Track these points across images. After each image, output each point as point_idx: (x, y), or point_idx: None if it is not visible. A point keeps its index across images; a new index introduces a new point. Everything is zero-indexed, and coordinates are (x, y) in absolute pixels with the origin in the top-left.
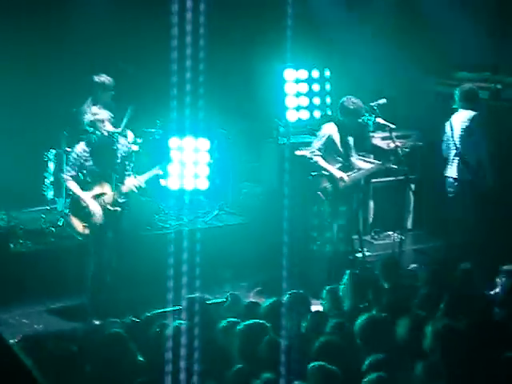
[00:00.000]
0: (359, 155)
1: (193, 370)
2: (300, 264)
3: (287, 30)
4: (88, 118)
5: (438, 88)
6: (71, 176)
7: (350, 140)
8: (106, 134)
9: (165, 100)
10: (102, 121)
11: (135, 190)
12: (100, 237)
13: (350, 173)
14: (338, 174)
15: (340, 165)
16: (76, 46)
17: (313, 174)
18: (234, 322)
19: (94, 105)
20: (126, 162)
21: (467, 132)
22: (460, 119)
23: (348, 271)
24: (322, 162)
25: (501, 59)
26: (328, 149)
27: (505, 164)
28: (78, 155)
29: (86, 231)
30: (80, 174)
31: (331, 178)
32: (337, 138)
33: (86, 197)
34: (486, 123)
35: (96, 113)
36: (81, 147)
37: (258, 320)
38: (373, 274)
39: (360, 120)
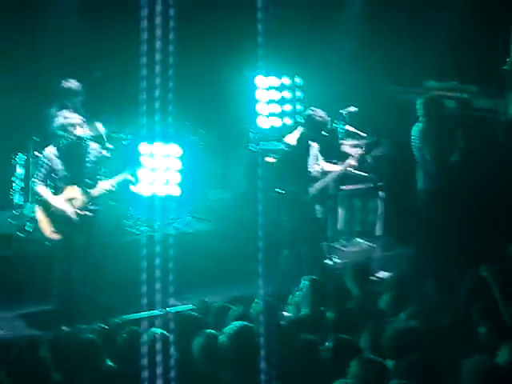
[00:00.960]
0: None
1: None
2: (270, 270)
3: (258, 36)
4: (59, 121)
5: (406, 96)
6: (41, 180)
7: (313, 149)
8: (75, 138)
9: (134, 105)
10: (73, 125)
11: (106, 192)
12: (69, 242)
13: (317, 183)
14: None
15: (307, 177)
16: (45, 50)
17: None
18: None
19: (63, 109)
20: (98, 167)
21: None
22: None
23: (306, 277)
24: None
25: (467, 68)
26: (287, 163)
27: (472, 172)
28: (47, 159)
29: (55, 236)
30: (50, 178)
31: (299, 193)
32: (293, 150)
33: (57, 201)
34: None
35: (67, 117)
36: (50, 151)
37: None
38: (335, 280)
39: (324, 132)
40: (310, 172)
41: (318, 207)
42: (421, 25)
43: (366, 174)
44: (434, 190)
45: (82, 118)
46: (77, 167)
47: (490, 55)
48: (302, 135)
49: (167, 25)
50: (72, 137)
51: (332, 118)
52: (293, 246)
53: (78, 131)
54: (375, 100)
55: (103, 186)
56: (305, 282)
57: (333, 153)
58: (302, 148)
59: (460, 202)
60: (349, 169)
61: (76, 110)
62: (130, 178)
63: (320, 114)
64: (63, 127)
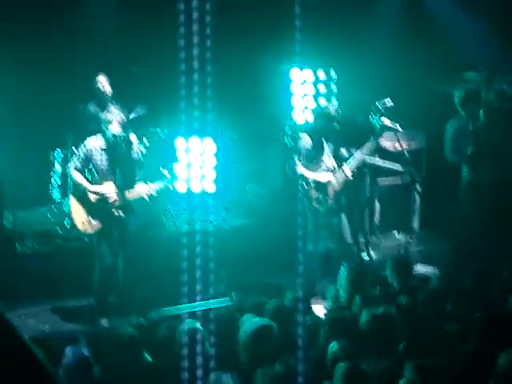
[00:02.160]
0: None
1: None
2: (306, 264)
3: (295, 29)
4: (104, 116)
5: (445, 88)
6: (76, 168)
7: (326, 145)
8: (121, 136)
9: (170, 100)
10: (111, 121)
11: (146, 197)
12: (105, 237)
13: (337, 174)
14: (324, 178)
15: (324, 168)
16: (81, 46)
17: (301, 186)
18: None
19: (98, 106)
20: (137, 169)
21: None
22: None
23: (345, 264)
24: (306, 173)
25: (505, 59)
26: (306, 157)
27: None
28: (88, 149)
29: (88, 229)
30: (87, 168)
31: (320, 185)
32: (308, 144)
33: (93, 187)
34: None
35: (112, 112)
36: (95, 141)
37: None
38: (374, 274)
39: (337, 125)
40: (325, 167)
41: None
42: (458, 15)
43: (401, 168)
44: (476, 181)
45: (123, 116)
46: (116, 164)
47: None
48: (315, 130)
49: (204, 20)
50: (118, 134)
51: (369, 111)
52: (316, 243)
53: (115, 129)
54: (412, 92)
55: (140, 190)
56: (343, 270)
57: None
58: (318, 143)
59: (500, 194)
60: (381, 143)
61: (108, 106)
62: (166, 174)
63: (331, 108)
64: (105, 122)
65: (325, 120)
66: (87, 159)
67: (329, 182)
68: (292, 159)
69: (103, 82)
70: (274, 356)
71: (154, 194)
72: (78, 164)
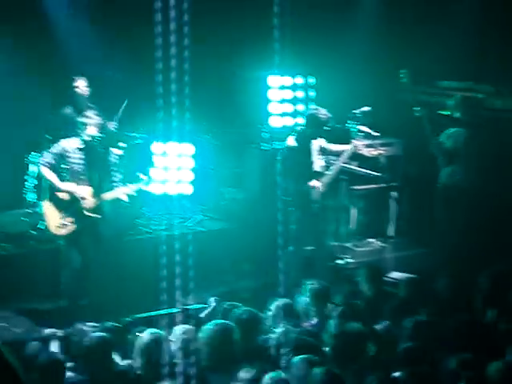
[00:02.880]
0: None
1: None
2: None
3: (272, 36)
4: (81, 119)
5: (421, 96)
6: (48, 163)
7: (315, 146)
8: (96, 138)
9: (148, 105)
10: (88, 124)
11: (125, 198)
12: (73, 240)
13: (323, 178)
14: (311, 183)
15: (311, 174)
16: (59, 49)
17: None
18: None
19: (75, 109)
20: (114, 172)
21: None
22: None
23: (308, 283)
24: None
25: (483, 68)
26: (293, 161)
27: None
28: (62, 148)
29: (59, 231)
30: (58, 167)
31: (305, 191)
32: (297, 150)
33: (63, 184)
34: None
35: (88, 115)
36: (70, 142)
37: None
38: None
39: (327, 128)
40: (315, 169)
41: (327, 205)
42: (436, 25)
43: (378, 174)
44: (459, 187)
45: (99, 120)
46: (90, 167)
47: (505, 55)
48: (304, 134)
49: (181, 27)
50: (94, 137)
51: (346, 118)
52: (299, 245)
53: (91, 131)
54: (388, 100)
55: (124, 190)
56: (306, 288)
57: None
58: (306, 147)
59: (480, 201)
60: (358, 150)
61: (85, 110)
62: (142, 177)
63: (322, 111)
64: (83, 125)
65: (315, 125)
66: (60, 157)
67: (314, 186)
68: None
69: (82, 86)
70: (234, 360)
71: (133, 193)
72: (51, 160)
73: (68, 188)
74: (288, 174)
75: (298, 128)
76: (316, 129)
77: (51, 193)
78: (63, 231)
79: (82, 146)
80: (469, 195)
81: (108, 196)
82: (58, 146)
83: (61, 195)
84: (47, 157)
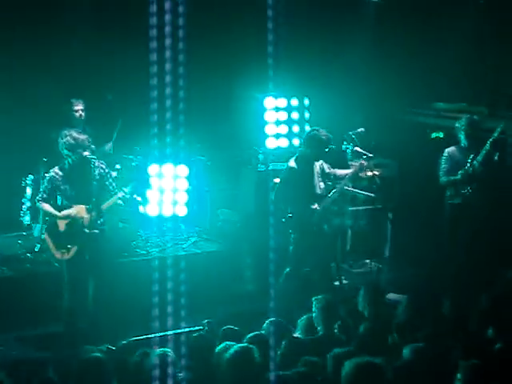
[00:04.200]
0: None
1: None
2: (279, 291)
3: (268, 59)
4: (67, 141)
5: (415, 118)
6: (43, 199)
7: (316, 168)
8: (81, 158)
9: (144, 127)
10: (81, 146)
11: (121, 202)
12: (77, 262)
13: (324, 200)
14: (313, 206)
15: (313, 196)
16: (54, 73)
17: (284, 219)
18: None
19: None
20: (106, 183)
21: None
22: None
23: (315, 298)
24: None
25: (476, 90)
26: (292, 185)
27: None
28: (51, 178)
29: (64, 256)
30: (54, 198)
31: (307, 214)
32: (299, 172)
33: (61, 213)
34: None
35: (76, 137)
36: (54, 171)
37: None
38: (346, 302)
39: (327, 150)
40: (316, 191)
41: (326, 227)
42: (429, 48)
43: (373, 195)
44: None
45: (88, 138)
46: (82, 186)
47: (498, 77)
48: (306, 155)
49: (177, 47)
50: (78, 157)
51: (341, 140)
52: (297, 266)
53: (85, 152)
54: (383, 121)
55: (112, 200)
56: (317, 304)
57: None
58: (308, 168)
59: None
60: (362, 173)
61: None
62: (138, 199)
63: (323, 133)
64: (71, 147)
65: (317, 146)
66: (52, 188)
67: (316, 209)
68: (279, 188)
69: (79, 108)
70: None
71: (126, 195)
72: (45, 195)
73: (66, 213)
74: (288, 195)
75: (299, 149)
76: (317, 150)
77: (49, 225)
78: (68, 255)
79: (65, 170)
80: (481, 213)
81: (104, 206)
82: (47, 177)
83: (60, 224)
84: (42, 192)
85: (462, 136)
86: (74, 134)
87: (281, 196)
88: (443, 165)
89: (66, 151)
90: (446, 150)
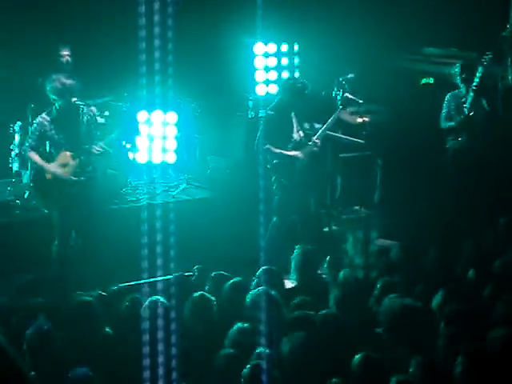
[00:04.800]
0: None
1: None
2: (268, 239)
3: (257, 3)
4: (55, 86)
5: (405, 63)
6: (31, 147)
7: (294, 117)
8: (69, 103)
9: (132, 74)
10: (70, 90)
11: (99, 152)
12: (66, 209)
13: (305, 148)
14: (291, 153)
15: (292, 144)
16: (42, 16)
17: (269, 165)
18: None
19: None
20: (93, 131)
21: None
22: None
23: (299, 246)
24: (273, 149)
25: (466, 35)
26: (272, 133)
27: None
28: (38, 125)
29: (53, 204)
30: (42, 145)
31: (287, 161)
32: (277, 120)
33: (49, 167)
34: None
35: (64, 82)
36: (42, 117)
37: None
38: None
39: (303, 97)
40: (295, 138)
41: (312, 173)
42: None
43: (360, 141)
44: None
45: (77, 83)
46: (70, 133)
47: (488, 21)
48: (283, 103)
49: None
50: (66, 102)
51: (331, 86)
52: (283, 215)
53: (74, 98)
54: (373, 67)
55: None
56: (297, 251)
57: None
58: (286, 116)
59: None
60: (343, 118)
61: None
62: (127, 146)
63: (299, 81)
64: (59, 92)
65: (293, 93)
66: (40, 134)
67: (296, 156)
68: (260, 136)
69: (66, 55)
70: None
71: (104, 148)
72: (33, 143)
73: (55, 169)
74: (269, 142)
75: (277, 97)
76: (293, 97)
77: (36, 173)
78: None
79: (53, 115)
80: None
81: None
82: (35, 125)
83: (48, 176)
84: (30, 141)
85: (458, 81)
86: (62, 79)
87: (261, 144)
88: (444, 109)
89: (53, 96)
90: (448, 94)
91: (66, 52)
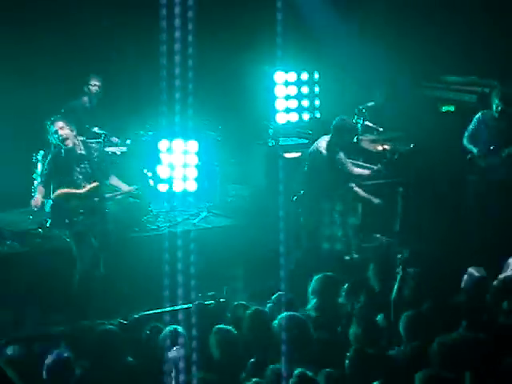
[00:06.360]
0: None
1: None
2: (290, 265)
3: (278, 32)
4: (56, 135)
5: (426, 91)
6: (38, 183)
7: (341, 155)
8: (64, 149)
9: (154, 104)
10: (64, 138)
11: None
12: (84, 238)
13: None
14: None
15: None
16: (68, 46)
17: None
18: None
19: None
20: (101, 168)
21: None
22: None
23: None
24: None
25: (487, 63)
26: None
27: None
28: (49, 162)
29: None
30: (51, 180)
31: None
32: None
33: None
34: None
35: (57, 129)
36: (51, 157)
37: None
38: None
39: (355, 140)
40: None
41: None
42: (440, 20)
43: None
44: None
45: (73, 130)
46: (65, 172)
47: (508, 49)
48: (332, 143)
49: (186, 24)
50: (62, 147)
51: (352, 114)
52: (311, 243)
53: (69, 143)
54: (393, 95)
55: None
56: (317, 278)
57: (351, 148)
58: (332, 156)
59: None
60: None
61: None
62: (149, 174)
63: (350, 122)
64: (59, 141)
65: (346, 134)
66: (49, 172)
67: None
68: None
69: (96, 85)
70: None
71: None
72: (41, 179)
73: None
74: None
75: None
76: (344, 139)
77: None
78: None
79: (47, 157)
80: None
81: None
82: (47, 161)
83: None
84: (39, 177)
85: (494, 106)
86: (60, 124)
87: (305, 180)
88: (471, 126)
89: (52, 140)
90: (481, 112)
91: (96, 82)
